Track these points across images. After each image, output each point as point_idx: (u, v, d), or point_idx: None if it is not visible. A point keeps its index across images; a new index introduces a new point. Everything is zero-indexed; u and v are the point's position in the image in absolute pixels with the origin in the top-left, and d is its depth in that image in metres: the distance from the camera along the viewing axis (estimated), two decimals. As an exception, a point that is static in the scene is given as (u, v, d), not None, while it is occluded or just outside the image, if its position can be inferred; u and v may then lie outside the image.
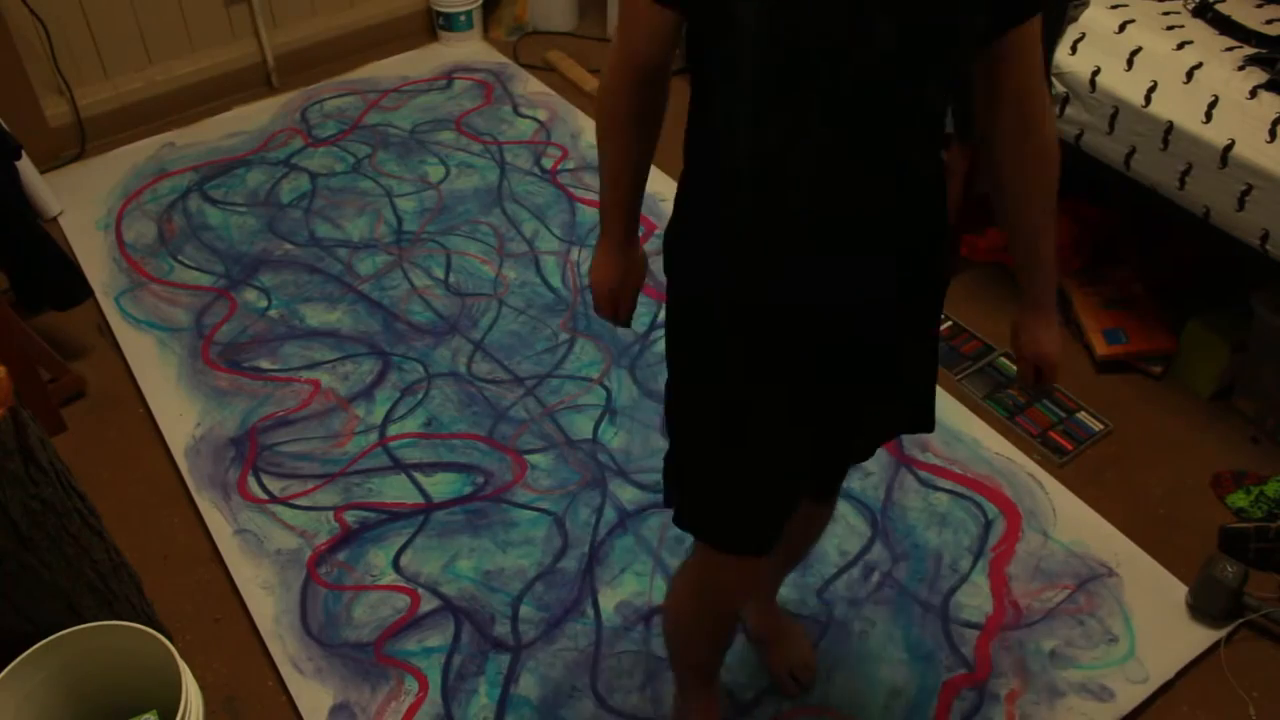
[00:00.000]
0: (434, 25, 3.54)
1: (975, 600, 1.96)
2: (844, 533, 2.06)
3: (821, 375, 1.28)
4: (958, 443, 2.24)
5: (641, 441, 2.23)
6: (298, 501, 2.12)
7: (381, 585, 1.98)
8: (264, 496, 2.13)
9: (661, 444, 2.21)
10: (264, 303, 2.56)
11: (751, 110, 1.12)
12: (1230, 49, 2.01)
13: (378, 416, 2.28)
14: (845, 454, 1.52)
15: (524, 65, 3.43)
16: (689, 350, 1.33)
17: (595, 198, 2.80)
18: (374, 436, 2.24)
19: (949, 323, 2.53)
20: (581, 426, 2.27)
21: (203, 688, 1.59)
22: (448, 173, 2.97)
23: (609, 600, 1.95)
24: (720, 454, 1.34)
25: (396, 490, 2.14)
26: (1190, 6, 2.14)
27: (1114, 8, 2.14)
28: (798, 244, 1.19)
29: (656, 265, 1.38)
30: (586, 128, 3.11)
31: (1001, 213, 1.31)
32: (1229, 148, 1.92)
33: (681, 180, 1.27)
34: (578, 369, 2.39)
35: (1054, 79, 2.16)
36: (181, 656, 1.51)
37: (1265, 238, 1.92)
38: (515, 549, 2.04)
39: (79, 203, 2.86)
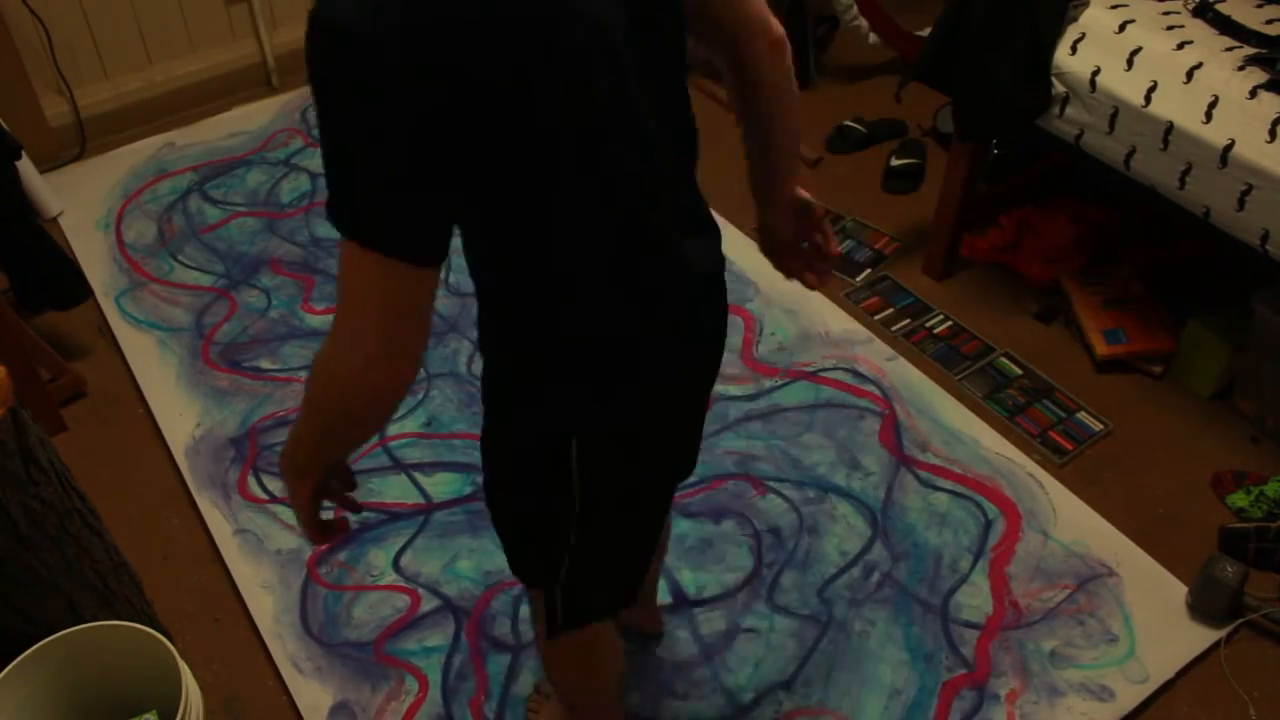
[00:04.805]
0: (434, 25, 3.54)
1: (975, 600, 1.96)
2: (844, 533, 2.06)
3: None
4: (958, 443, 2.24)
5: (641, 441, 2.23)
6: (298, 501, 2.11)
7: (382, 585, 1.98)
8: (264, 496, 2.13)
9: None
10: (264, 303, 2.56)
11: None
12: (1230, 49, 2.01)
13: (378, 416, 2.28)
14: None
15: (524, 65, 3.42)
16: (591, 472, 1.24)
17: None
18: (374, 436, 2.24)
19: (949, 323, 2.53)
20: (581, 426, 2.26)
21: (203, 688, 1.59)
22: (448, 173, 2.97)
23: (609, 600, 1.95)
24: (630, 539, 1.34)
25: (396, 490, 2.14)
26: (1190, 6, 2.14)
27: (1114, 8, 2.14)
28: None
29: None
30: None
31: (756, 120, 1.29)
32: (1229, 148, 1.91)
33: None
34: (578, 369, 2.39)
35: (1054, 79, 2.16)
36: (181, 656, 1.51)
37: (1265, 238, 1.92)
38: (515, 549, 2.03)
39: (79, 203, 2.86)
